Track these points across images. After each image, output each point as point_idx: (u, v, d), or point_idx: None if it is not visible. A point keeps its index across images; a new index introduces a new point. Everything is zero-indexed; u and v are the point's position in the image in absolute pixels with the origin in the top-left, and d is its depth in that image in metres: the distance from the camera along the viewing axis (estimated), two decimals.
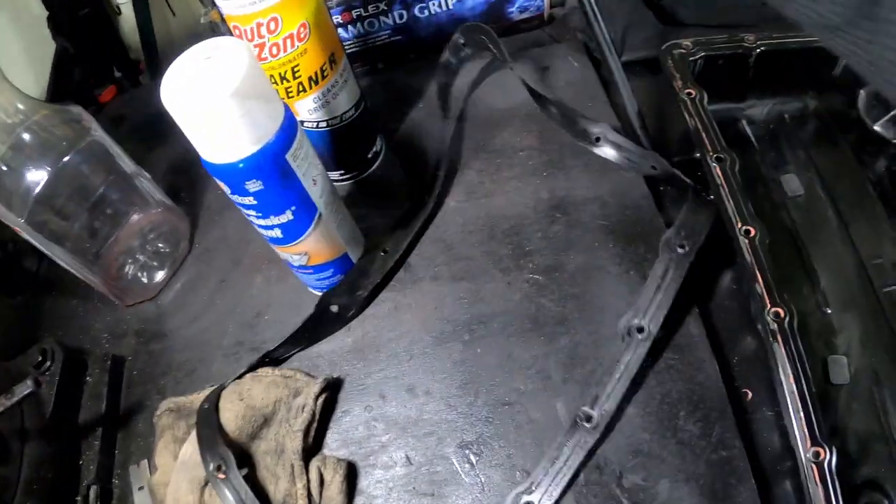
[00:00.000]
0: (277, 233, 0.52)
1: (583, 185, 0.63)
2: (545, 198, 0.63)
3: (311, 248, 0.55)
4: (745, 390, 0.52)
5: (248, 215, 0.51)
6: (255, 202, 0.49)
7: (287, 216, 0.51)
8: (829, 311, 0.52)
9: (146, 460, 0.60)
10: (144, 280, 0.68)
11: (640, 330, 0.50)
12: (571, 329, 0.55)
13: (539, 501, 0.48)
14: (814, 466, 0.40)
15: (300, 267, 0.57)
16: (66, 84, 0.98)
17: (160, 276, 0.69)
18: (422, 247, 0.62)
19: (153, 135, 0.79)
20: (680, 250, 0.53)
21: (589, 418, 0.49)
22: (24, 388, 0.55)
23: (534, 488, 0.48)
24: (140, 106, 0.88)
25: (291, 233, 0.52)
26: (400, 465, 0.53)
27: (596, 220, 0.61)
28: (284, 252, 0.55)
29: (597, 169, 0.64)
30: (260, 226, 0.52)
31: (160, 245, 0.69)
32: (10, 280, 0.78)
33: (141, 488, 0.59)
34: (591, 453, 0.48)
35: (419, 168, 0.66)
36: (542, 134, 0.67)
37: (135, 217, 0.68)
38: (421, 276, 0.60)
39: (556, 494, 0.47)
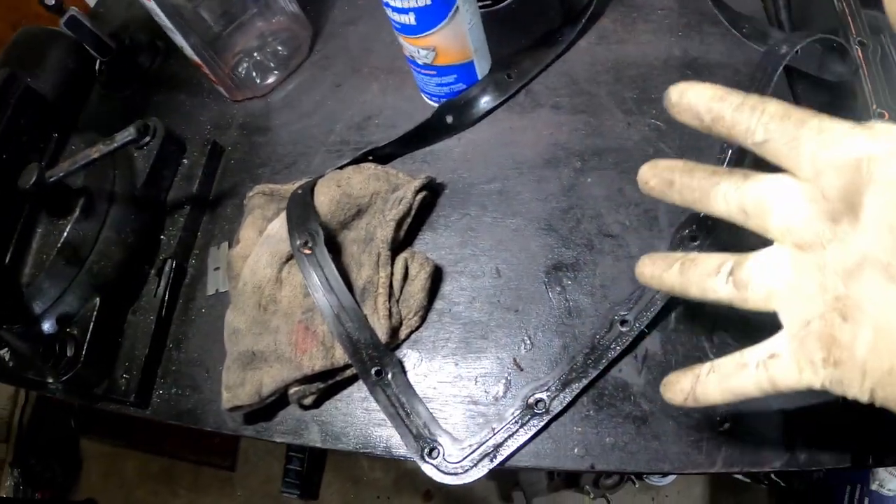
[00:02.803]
0: (411, 18, 0.51)
1: (717, 52, 0.61)
2: (677, 55, 0.60)
3: (440, 44, 0.53)
4: None
5: None
6: None
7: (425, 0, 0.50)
8: None
9: (226, 243, 0.61)
10: (258, 80, 0.69)
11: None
12: None
13: (633, 320, 0.46)
14: None
15: (424, 66, 0.56)
16: None
17: (273, 77, 0.69)
18: (547, 77, 0.60)
19: None
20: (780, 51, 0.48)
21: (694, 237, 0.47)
22: (127, 135, 0.56)
23: (631, 305, 0.47)
24: None
25: (426, 20, 0.51)
26: (488, 277, 0.53)
27: (727, 82, 0.58)
28: (413, 44, 0.54)
29: (733, 40, 0.61)
30: (395, 8, 0.51)
31: (279, 48, 0.69)
32: (121, 74, 0.79)
33: (217, 269, 0.61)
34: None
35: (552, 7, 0.64)
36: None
37: (257, 19, 0.68)
38: (542, 103, 0.59)
39: (647, 319, 0.46)
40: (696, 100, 0.32)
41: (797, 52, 0.50)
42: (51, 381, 0.57)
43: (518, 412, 0.46)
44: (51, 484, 1.60)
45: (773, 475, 1.15)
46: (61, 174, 0.55)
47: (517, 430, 0.45)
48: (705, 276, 0.33)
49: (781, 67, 0.48)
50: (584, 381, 0.45)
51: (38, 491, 1.61)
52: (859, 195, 0.27)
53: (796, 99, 0.56)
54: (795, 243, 0.30)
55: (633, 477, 1.25)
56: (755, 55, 0.59)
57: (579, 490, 1.25)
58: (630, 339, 0.46)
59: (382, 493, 1.53)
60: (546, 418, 0.45)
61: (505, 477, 1.42)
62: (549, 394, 0.46)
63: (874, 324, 0.27)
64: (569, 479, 1.23)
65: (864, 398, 0.28)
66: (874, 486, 1.05)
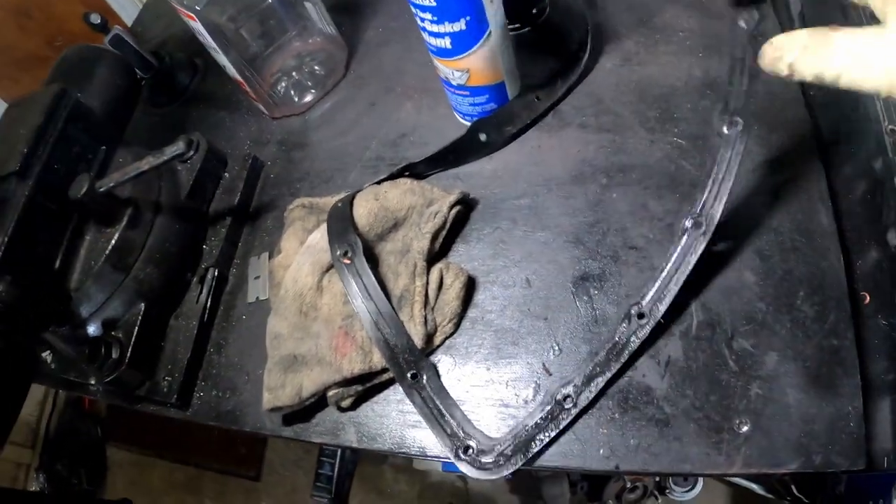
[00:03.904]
0: (447, 42, 0.54)
1: None
2: (698, 75, 0.63)
3: (473, 66, 0.56)
4: (863, 293, 0.51)
5: (423, 20, 0.53)
6: (434, 4, 0.51)
7: (460, 25, 0.53)
8: None
9: (267, 253, 0.63)
10: (295, 98, 0.72)
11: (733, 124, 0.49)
12: None
13: (649, 312, 0.48)
14: None
15: (458, 87, 0.59)
16: None
17: (311, 96, 0.72)
18: (573, 98, 0.63)
19: None
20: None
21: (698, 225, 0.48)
22: (175, 149, 0.59)
23: (647, 292, 0.49)
24: None
25: (460, 44, 0.54)
26: (519, 287, 0.55)
27: None
28: (448, 66, 0.57)
29: None
30: (431, 33, 0.54)
31: (316, 68, 0.72)
32: (161, 91, 0.83)
33: (257, 278, 0.63)
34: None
35: (579, 29, 0.67)
36: (703, 21, 0.67)
37: (295, 40, 0.71)
38: (568, 122, 0.62)
39: (662, 308, 0.48)
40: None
41: None
42: (93, 382, 0.59)
43: (547, 408, 0.48)
44: (76, 490, 1.62)
45: (795, 490, 1.15)
46: (111, 184, 0.59)
47: (547, 426, 0.47)
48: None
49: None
50: (608, 374, 0.48)
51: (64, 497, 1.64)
52: None
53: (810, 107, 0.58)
54: None
55: (655, 492, 1.26)
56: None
57: None
58: (648, 330, 0.48)
59: None
60: (574, 412, 0.47)
61: (528, 490, 1.43)
62: (575, 389, 0.48)
63: None
64: (591, 493, 1.24)
65: None
66: None
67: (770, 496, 1.22)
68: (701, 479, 1.27)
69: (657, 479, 1.26)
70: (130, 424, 1.68)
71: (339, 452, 1.23)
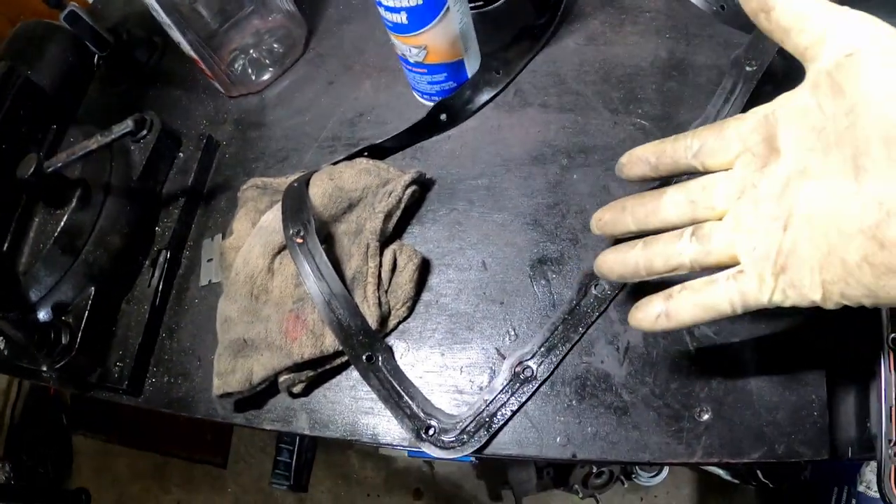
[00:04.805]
0: (403, 17, 0.53)
1: (702, 54, 0.62)
2: (664, 56, 0.61)
3: (430, 43, 0.55)
4: None
5: None
6: None
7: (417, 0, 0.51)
8: None
9: (220, 235, 0.62)
10: (253, 76, 0.70)
11: None
12: None
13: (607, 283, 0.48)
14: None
15: (415, 65, 0.57)
16: None
17: (268, 74, 0.70)
18: (536, 77, 0.62)
19: None
20: (748, 69, 0.52)
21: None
22: (124, 127, 0.57)
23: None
24: None
25: (417, 19, 0.53)
26: (475, 270, 0.54)
27: (712, 85, 0.59)
28: (404, 43, 0.55)
29: (720, 43, 0.63)
30: (387, 7, 0.52)
31: (275, 45, 0.70)
32: (118, 69, 0.81)
33: (210, 260, 0.62)
34: None
35: (543, 6, 0.65)
36: (670, 2, 0.66)
37: (253, 17, 0.69)
38: (530, 102, 0.60)
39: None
40: (641, 150, 0.41)
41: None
42: (45, 369, 0.57)
43: (507, 381, 0.47)
44: (42, 478, 1.60)
45: (760, 476, 1.16)
46: (59, 164, 0.57)
47: (508, 400, 0.47)
48: (669, 242, 0.38)
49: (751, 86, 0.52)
50: (568, 346, 0.47)
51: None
52: (775, 138, 0.34)
53: None
54: (736, 197, 0.36)
55: (621, 477, 1.26)
56: None
57: (568, 489, 1.26)
58: (606, 302, 0.48)
59: (373, 491, 1.54)
60: (535, 384, 0.47)
61: (494, 475, 1.43)
62: (535, 360, 0.47)
63: (807, 221, 0.32)
64: (558, 479, 1.24)
65: (818, 296, 0.32)
66: (861, 488, 1.06)
67: (736, 481, 1.24)
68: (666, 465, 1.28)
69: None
70: (95, 412, 1.66)
71: (297, 439, 1.22)
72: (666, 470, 1.27)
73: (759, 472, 1.16)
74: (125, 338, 0.60)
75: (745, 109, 0.50)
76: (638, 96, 0.59)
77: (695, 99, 0.59)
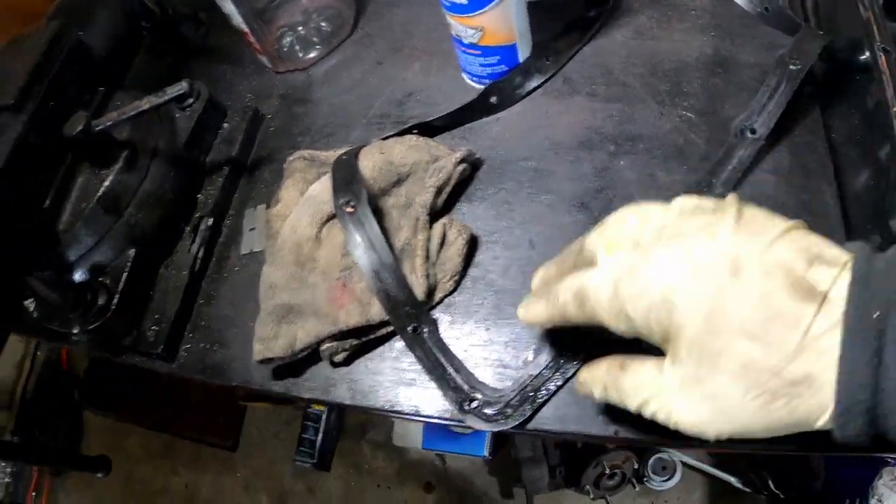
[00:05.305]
0: None
1: (747, 53, 0.63)
2: (709, 53, 0.62)
3: (488, 24, 0.55)
4: None
5: None
6: None
7: None
8: None
9: (264, 205, 0.62)
10: (300, 54, 0.71)
11: (753, 131, 0.53)
12: None
13: None
14: None
15: (469, 46, 0.58)
16: None
17: (315, 52, 0.71)
18: (584, 67, 0.63)
19: None
20: (792, 67, 0.53)
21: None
22: (178, 88, 0.58)
23: None
24: None
25: (476, 0, 0.53)
26: (522, 248, 0.54)
27: (755, 83, 0.60)
28: (461, 23, 0.56)
29: (763, 43, 0.63)
30: None
31: (323, 24, 0.71)
32: (164, 41, 0.81)
33: (252, 229, 0.62)
34: None
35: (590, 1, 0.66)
36: (716, 2, 0.67)
37: None
38: (578, 91, 0.61)
39: None
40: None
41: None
42: (76, 331, 0.57)
43: (552, 357, 0.47)
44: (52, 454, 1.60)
45: (772, 485, 1.16)
46: (109, 123, 0.57)
47: (553, 375, 0.47)
48: None
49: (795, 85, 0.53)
50: None
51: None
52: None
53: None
54: None
55: (633, 480, 1.26)
56: None
57: (580, 490, 1.25)
58: None
59: (384, 481, 1.54)
60: (579, 361, 0.47)
61: (507, 472, 1.43)
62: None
63: None
64: (570, 478, 1.24)
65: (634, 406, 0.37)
66: (873, 501, 1.06)
67: (748, 490, 1.23)
68: (679, 469, 1.28)
69: (636, 467, 1.27)
70: (108, 389, 1.66)
71: (323, 417, 1.21)
72: (678, 474, 1.27)
73: (770, 481, 1.16)
74: (162, 303, 0.60)
75: (787, 107, 0.52)
76: (684, 90, 0.60)
77: (738, 95, 0.60)
